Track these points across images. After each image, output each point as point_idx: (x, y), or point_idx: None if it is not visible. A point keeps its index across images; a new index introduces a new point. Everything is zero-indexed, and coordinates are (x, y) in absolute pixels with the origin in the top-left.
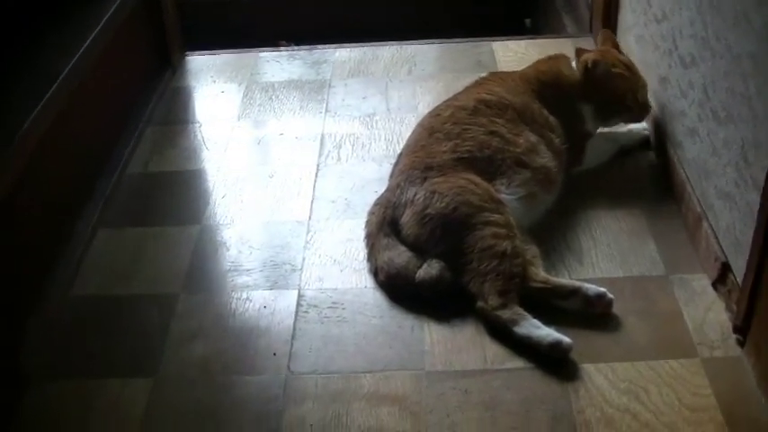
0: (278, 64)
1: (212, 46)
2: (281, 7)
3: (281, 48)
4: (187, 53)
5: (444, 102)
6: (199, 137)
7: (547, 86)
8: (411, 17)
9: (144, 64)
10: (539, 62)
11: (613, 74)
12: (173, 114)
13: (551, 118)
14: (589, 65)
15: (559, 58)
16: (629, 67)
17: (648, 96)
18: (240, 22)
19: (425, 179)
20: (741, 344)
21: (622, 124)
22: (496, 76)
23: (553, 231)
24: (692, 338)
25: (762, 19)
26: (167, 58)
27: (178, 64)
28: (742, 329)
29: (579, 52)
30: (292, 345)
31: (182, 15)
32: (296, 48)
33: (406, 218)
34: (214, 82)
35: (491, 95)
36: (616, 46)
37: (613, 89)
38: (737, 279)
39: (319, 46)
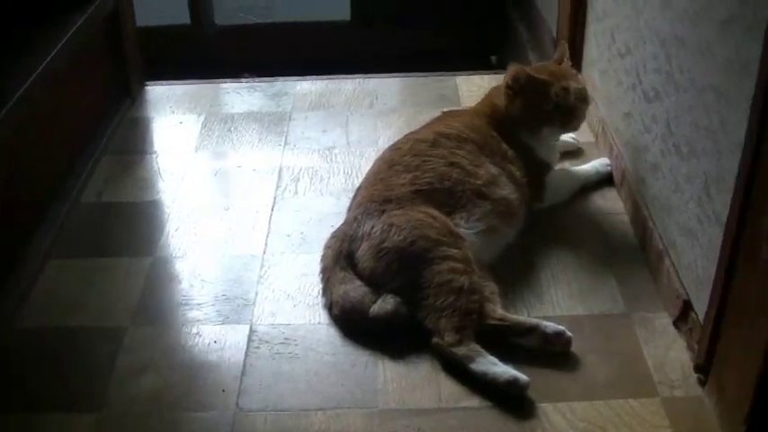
0: (238, 95)
1: (175, 76)
2: (244, 39)
3: (244, 80)
4: (147, 83)
5: (405, 136)
6: (155, 167)
7: (494, 120)
8: (377, 51)
9: (102, 92)
10: (486, 97)
11: (534, 80)
12: (129, 144)
13: (510, 151)
14: (509, 81)
15: (495, 91)
16: (555, 73)
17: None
18: (203, 53)
19: (383, 212)
20: (702, 383)
21: (581, 158)
22: (453, 114)
23: (513, 268)
24: (652, 377)
25: (725, 52)
26: (127, 88)
27: (137, 93)
28: (703, 368)
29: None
30: (242, 381)
31: (143, 45)
32: (257, 80)
33: (363, 251)
34: (173, 112)
35: (450, 129)
36: (561, 60)
37: (534, 96)
38: (699, 317)
39: (280, 78)
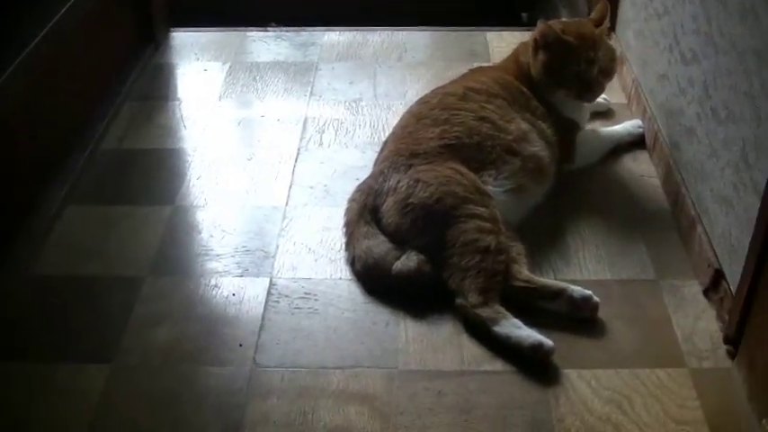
0: (264, 44)
1: (200, 24)
2: None
3: (271, 29)
4: (172, 29)
5: (433, 90)
6: (177, 115)
7: (522, 76)
8: (407, 5)
9: (126, 37)
10: (513, 53)
11: (561, 41)
12: (152, 90)
13: (540, 108)
14: (537, 37)
15: (522, 47)
16: (585, 37)
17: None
18: (231, 3)
19: (410, 166)
20: (732, 355)
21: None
22: (481, 69)
23: (541, 229)
24: (680, 347)
25: None
26: (151, 33)
27: (162, 39)
28: (733, 340)
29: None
30: (260, 336)
31: None
32: (284, 29)
33: (388, 206)
34: (197, 60)
35: (480, 84)
36: (599, 22)
37: (557, 57)
38: (731, 287)
39: (308, 28)
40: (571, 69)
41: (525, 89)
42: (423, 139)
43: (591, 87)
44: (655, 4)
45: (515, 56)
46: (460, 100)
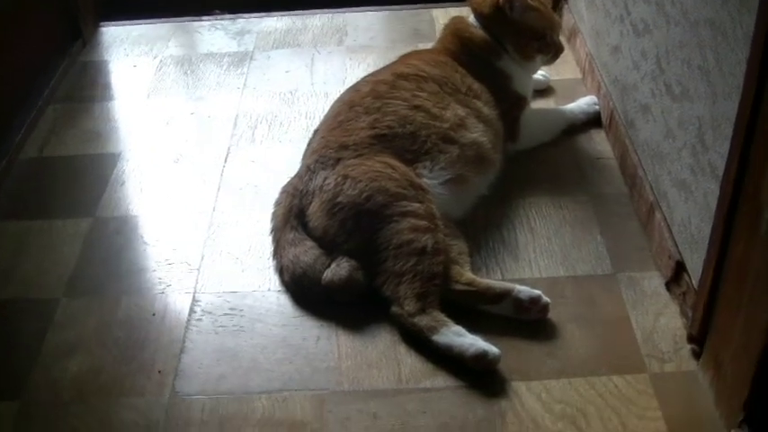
0: (198, 35)
1: (144, 14)
2: None
3: (214, 16)
4: (102, 23)
5: (364, 77)
6: (103, 116)
7: (464, 52)
8: None
9: (49, 34)
10: (444, 30)
11: (532, 7)
12: (78, 91)
13: (476, 84)
14: (503, 3)
15: (458, 21)
16: (543, 2)
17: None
18: None
19: (338, 161)
20: (697, 355)
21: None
22: (414, 53)
23: (486, 222)
24: (639, 350)
25: None
26: (76, 29)
27: (90, 35)
28: (698, 339)
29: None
30: (180, 360)
31: None
32: (219, 17)
33: (314, 207)
34: (127, 55)
35: (409, 68)
36: None
37: (533, 24)
38: (693, 280)
39: (244, 14)
40: (547, 34)
41: (460, 68)
42: (353, 129)
43: (559, 50)
44: None
45: (454, 31)
46: (392, 88)
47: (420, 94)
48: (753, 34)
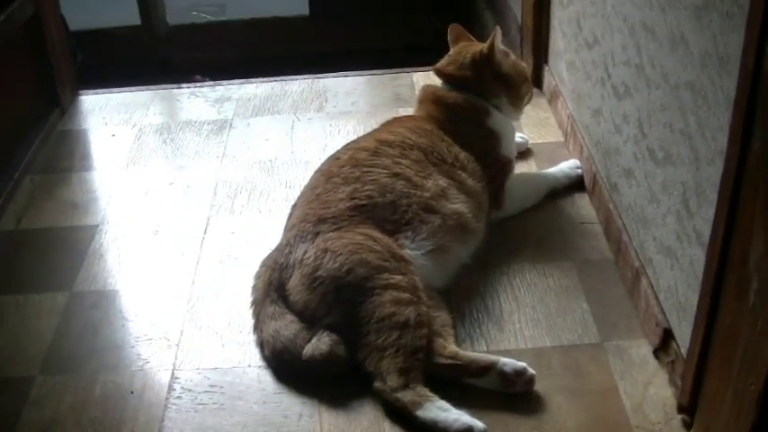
0: (177, 102)
1: (126, 80)
2: (197, 39)
3: (194, 84)
4: (81, 91)
5: (345, 145)
6: (81, 187)
7: (446, 119)
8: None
9: (27, 102)
10: (421, 99)
11: (505, 53)
12: (56, 161)
13: (462, 154)
14: (496, 57)
15: (434, 89)
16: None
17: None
18: (155, 54)
19: (317, 234)
20: (688, 426)
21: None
22: (398, 119)
23: (470, 291)
24: (629, 421)
25: (700, 43)
26: (55, 98)
27: (69, 104)
28: (688, 409)
29: (441, 69)
30: None
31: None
32: (199, 84)
33: (294, 281)
34: (105, 124)
35: (393, 136)
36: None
37: (517, 70)
38: (681, 348)
39: (224, 81)
40: (526, 77)
41: (446, 136)
42: (332, 201)
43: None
44: (584, 33)
45: (432, 101)
46: (373, 155)
47: (402, 161)
48: (734, 98)
